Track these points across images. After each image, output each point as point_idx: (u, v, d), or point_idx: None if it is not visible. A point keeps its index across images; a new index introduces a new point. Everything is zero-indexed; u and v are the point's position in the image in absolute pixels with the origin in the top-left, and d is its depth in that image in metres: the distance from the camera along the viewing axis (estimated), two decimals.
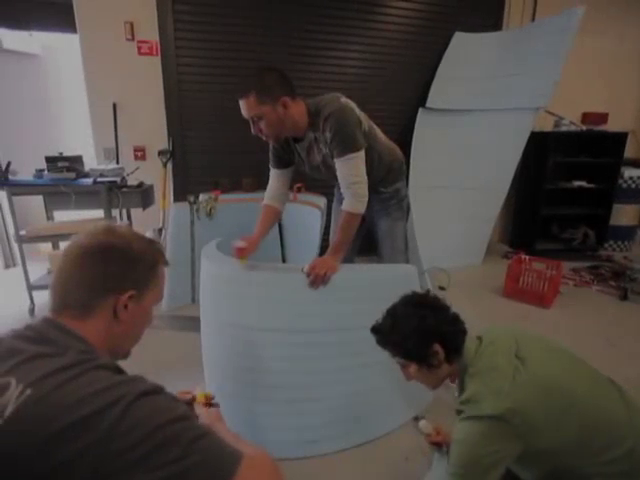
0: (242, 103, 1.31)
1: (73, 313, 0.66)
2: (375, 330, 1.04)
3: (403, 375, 1.07)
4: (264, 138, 1.41)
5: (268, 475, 0.62)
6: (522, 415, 0.85)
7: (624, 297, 2.86)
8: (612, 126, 3.78)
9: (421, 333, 0.97)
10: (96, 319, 0.66)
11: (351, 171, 1.39)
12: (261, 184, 2.84)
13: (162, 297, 0.79)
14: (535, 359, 0.94)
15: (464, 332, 1.02)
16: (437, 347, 0.98)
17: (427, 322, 0.97)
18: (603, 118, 3.84)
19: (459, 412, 0.94)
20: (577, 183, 3.75)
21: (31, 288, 2.47)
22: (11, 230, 2.75)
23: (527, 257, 2.96)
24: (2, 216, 3.33)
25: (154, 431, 0.53)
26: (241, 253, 1.37)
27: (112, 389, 0.55)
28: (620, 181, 3.78)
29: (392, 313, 1.03)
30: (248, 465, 0.57)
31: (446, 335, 0.98)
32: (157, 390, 0.59)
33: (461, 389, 1.00)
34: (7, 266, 3.42)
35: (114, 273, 0.67)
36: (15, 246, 2.65)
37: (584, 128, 3.70)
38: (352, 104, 1.42)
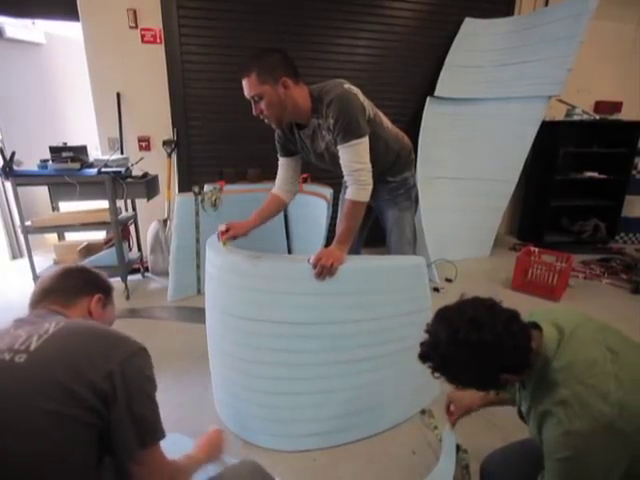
0: (244, 82, 1.31)
1: (60, 304, 0.87)
2: (423, 360, 0.89)
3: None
4: (265, 120, 1.39)
5: (165, 472, 0.75)
6: (635, 418, 0.73)
7: (635, 290, 2.82)
8: (626, 115, 3.68)
9: (482, 378, 0.84)
10: (75, 311, 0.89)
11: (354, 158, 1.35)
12: (266, 175, 2.82)
13: (114, 319, 1.02)
14: (627, 352, 0.81)
15: (529, 340, 0.83)
16: (505, 376, 0.83)
17: (486, 366, 0.81)
18: (617, 107, 3.74)
19: (543, 414, 0.80)
20: (588, 174, 3.67)
21: (37, 279, 2.48)
22: (17, 221, 2.75)
23: (536, 249, 2.91)
24: (8, 207, 3.34)
25: (147, 379, 0.73)
26: (221, 236, 1.45)
27: (121, 334, 0.75)
28: (633, 172, 3.70)
29: (438, 350, 0.84)
30: (161, 453, 0.73)
31: (512, 366, 0.82)
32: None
33: (540, 383, 0.84)
34: (14, 257, 3.44)
35: (89, 281, 0.95)
36: (21, 237, 2.65)
37: (597, 117, 3.61)
38: (356, 90, 1.39)
